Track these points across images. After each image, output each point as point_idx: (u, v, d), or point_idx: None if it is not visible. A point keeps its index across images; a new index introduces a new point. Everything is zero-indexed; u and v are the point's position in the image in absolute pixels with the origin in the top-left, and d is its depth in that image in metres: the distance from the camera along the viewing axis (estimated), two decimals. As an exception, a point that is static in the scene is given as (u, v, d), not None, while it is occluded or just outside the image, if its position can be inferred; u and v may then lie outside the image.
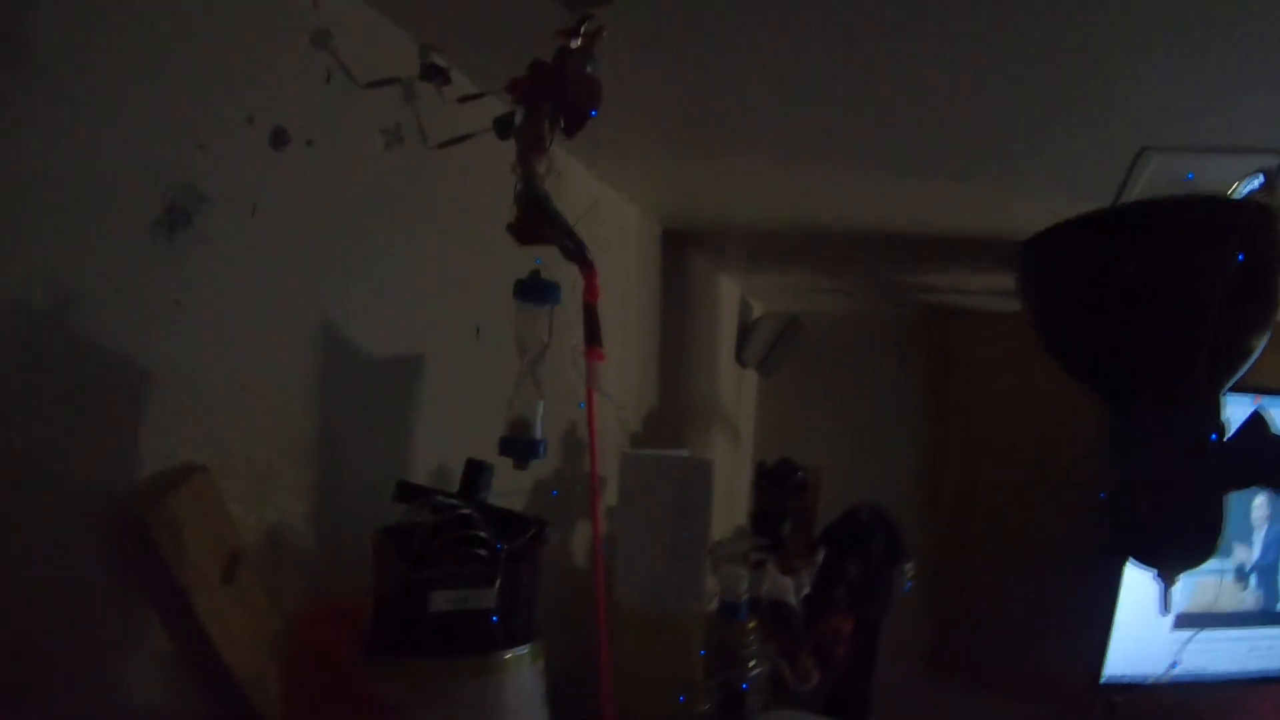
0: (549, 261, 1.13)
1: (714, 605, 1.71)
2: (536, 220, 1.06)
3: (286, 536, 1.27)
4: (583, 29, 1.07)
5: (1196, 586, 2.99)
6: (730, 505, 3.17)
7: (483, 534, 0.99)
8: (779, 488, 2.38)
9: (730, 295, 3.35)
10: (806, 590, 2.12)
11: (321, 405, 1.32)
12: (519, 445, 1.12)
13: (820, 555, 2.13)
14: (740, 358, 3.37)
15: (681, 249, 2.76)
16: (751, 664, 1.67)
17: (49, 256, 0.95)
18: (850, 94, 1.65)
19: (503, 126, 1.33)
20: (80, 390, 0.99)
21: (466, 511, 1.01)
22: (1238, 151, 1.82)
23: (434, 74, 1.32)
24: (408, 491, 1.11)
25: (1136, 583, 2.91)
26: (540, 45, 1.39)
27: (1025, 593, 3.33)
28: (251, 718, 1.13)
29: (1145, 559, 1.91)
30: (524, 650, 1.03)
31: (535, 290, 1.12)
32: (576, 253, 1.07)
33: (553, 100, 1.05)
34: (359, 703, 1.01)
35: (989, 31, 1.37)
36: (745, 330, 3.40)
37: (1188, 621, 2.99)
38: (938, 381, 3.61)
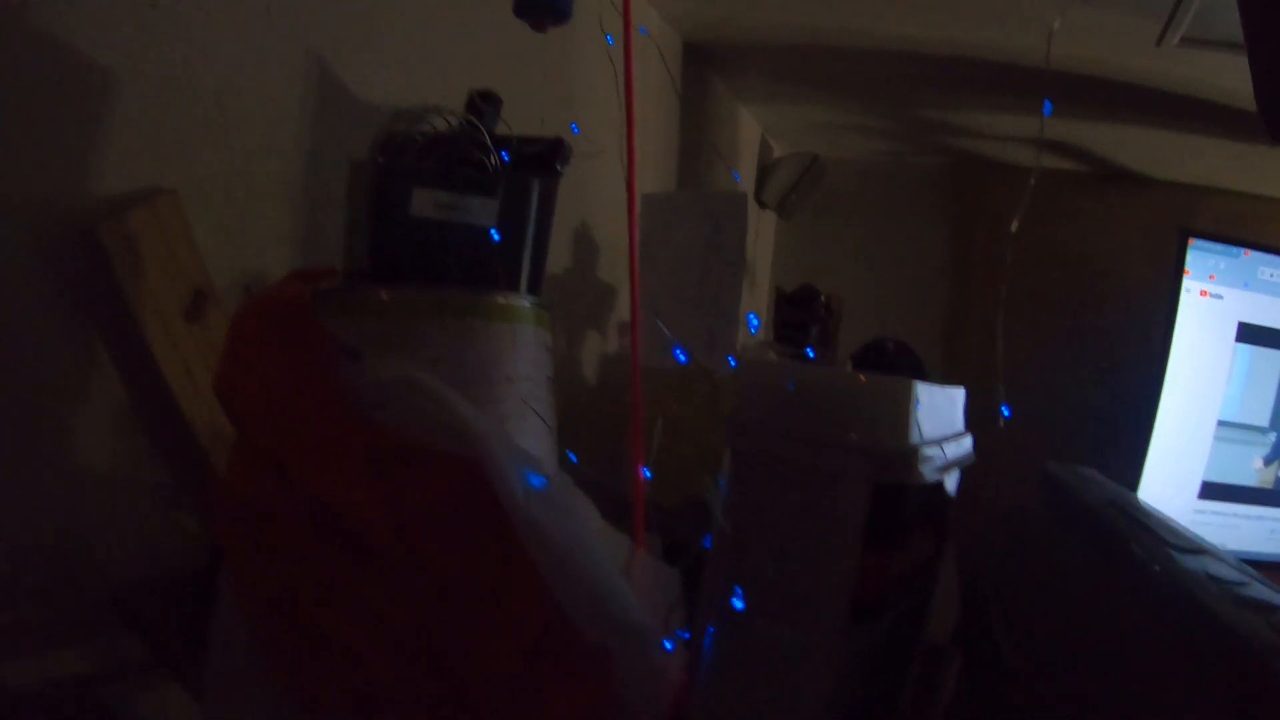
0: None
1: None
2: None
3: (263, 280, 1.13)
4: None
5: (1228, 456, 2.87)
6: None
7: (485, 140, 0.83)
8: (802, 308, 2.26)
9: (751, 132, 3.19)
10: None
11: (309, 139, 1.19)
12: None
13: (849, 366, 2.01)
14: (759, 197, 3.23)
15: (703, 70, 2.61)
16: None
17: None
18: None
19: None
20: (36, 87, 0.86)
21: (469, 119, 0.86)
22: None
23: None
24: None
25: (1163, 449, 2.88)
26: None
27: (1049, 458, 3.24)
28: (210, 478, 0.98)
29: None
30: (526, 303, 0.87)
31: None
32: None
33: None
34: (313, 355, 0.79)
35: None
36: (765, 170, 3.26)
37: (1214, 492, 2.89)
38: (965, 233, 3.46)
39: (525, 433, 0.84)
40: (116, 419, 0.96)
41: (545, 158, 0.89)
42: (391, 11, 1.32)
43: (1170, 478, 2.89)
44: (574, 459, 0.90)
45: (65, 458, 0.93)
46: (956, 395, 1.00)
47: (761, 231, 3.37)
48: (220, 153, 1.06)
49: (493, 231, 0.80)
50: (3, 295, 0.85)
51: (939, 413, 0.90)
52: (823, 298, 2.37)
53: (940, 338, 3.44)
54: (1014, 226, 1.01)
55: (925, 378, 2.54)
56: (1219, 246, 2.94)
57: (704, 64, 2.59)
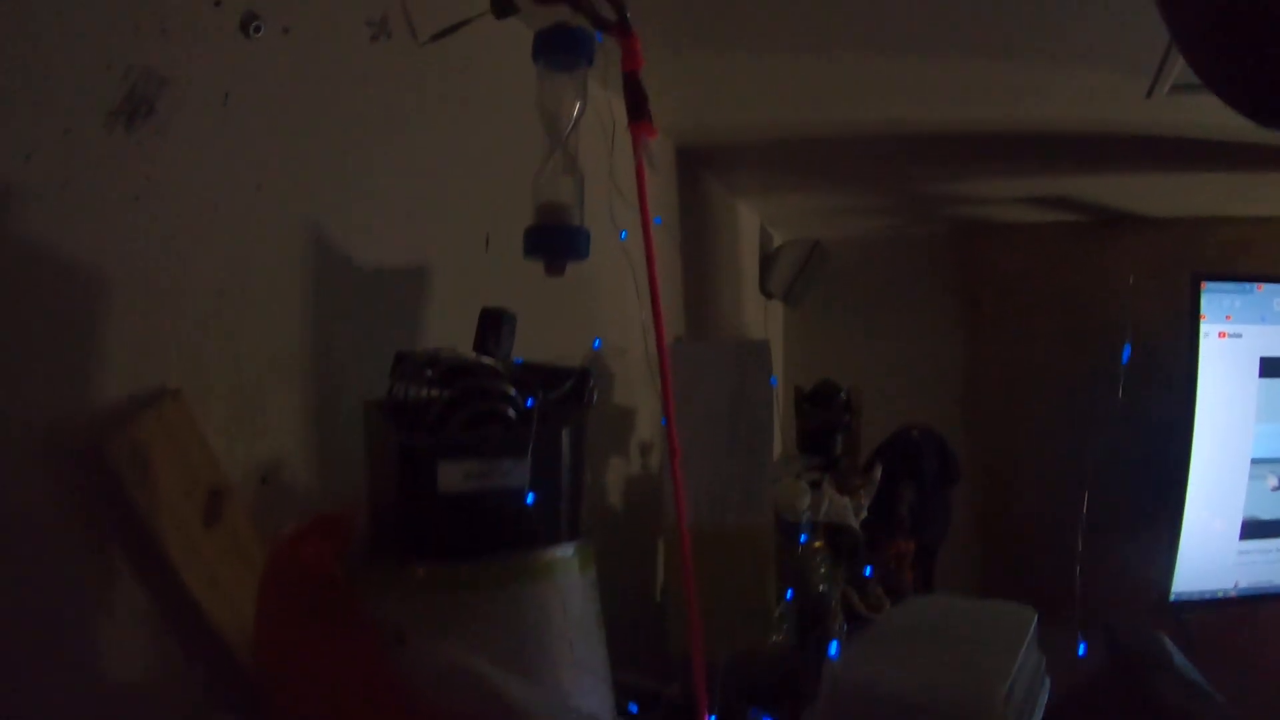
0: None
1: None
2: None
3: (280, 469, 1.12)
4: None
5: (1265, 492, 2.83)
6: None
7: (507, 389, 0.79)
8: (823, 408, 2.23)
9: (750, 223, 3.20)
10: (864, 513, 1.98)
11: (315, 318, 1.18)
12: (553, 237, 0.87)
13: (878, 472, 1.99)
14: (765, 288, 3.23)
15: (697, 172, 2.62)
16: (821, 588, 1.53)
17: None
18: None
19: (500, 3, 1.19)
20: (29, 302, 0.85)
21: (485, 362, 0.83)
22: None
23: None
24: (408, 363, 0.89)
25: (1200, 493, 2.84)
26: None
27: (1079, 514, 3.20)
28: (248, 682, 0.94)
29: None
30: (569, 552, 0.83)
31: (562, 43, 0.88)
32: (609, 11, 0.84)
33: None
34: (352, 635, 0.77)
35: None
36: (768, 259, 3.26)
37: (1256, 530, 2.86)
38: (972, 298, 3.45)
39: (583, 689, 0.82)
40: (142, 629, 0.93)
41: (573, 394, 0.87)
42: (385, 176, 1.33)
43: (1210, 521, 2.85)
44: (634, 710, 0.87)
45: (94, 673, 0.90)
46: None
47: (770, 322, 3.37)
48: (224, 343, 1.05)
49: (528, 496, 0.79)
50: (14, 520, 0.82)
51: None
52: (842, 394, 2.35)
53: (957, 404, 3.41)
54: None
55: (955, 464, 2.52)
56: (1232, 285, 2.93)
57: (698, 165, 2.61)
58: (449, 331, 1.40)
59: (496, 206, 1.53)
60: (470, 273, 1.50)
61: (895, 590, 1.96)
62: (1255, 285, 2.94)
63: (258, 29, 1.11)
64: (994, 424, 3.38)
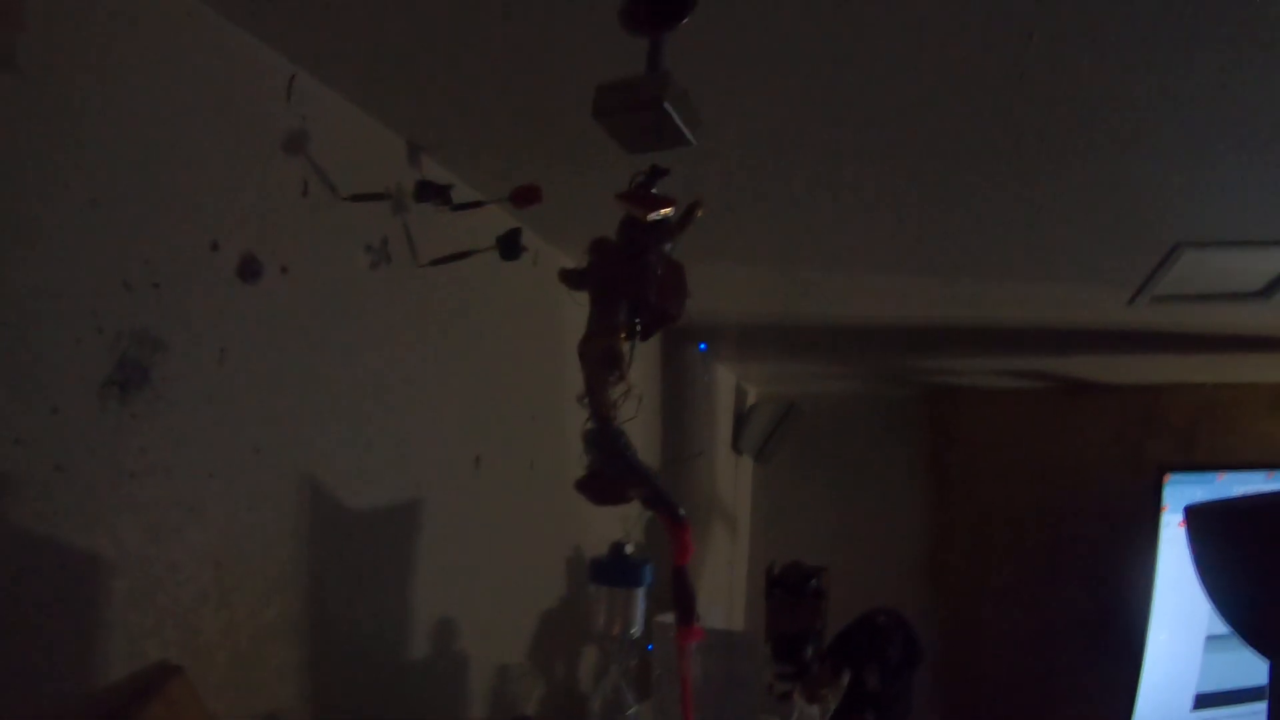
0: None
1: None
2: (617, 473, 0.82)
3: None
4: (657, 196, 0.82)
5: (1218, 666, 2.89)
6: (730, 602, 3.00)
7: None
8: (794, 597, 2.19)
9: (725, 382, 3.20)
10: (830, 717, 1.94)
11: (309, 574, 1.15)
12: None
13: (846, 678, 1.94)
14: (737, 446, 3.21)
15: (680, 340, 2.62)
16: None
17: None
18: (871, 212, 1.54)
19: (509, 246, 1.17)
20: (22, 593, 0.81)
21: None
22: (1269, 244, 1.71)
23: (431, 193, 1.15)
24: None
25: (1158, 661, 2.87)
26: (547, 144, 1.22)
27: (1039, 676, 3.20)
28: None
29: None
30: None
31: (620, 572, 0.92)
32: (663, 505, 0.84)
33: (630, 299, 0.81)
34: None
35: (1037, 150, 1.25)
36: (741, 418, 3.25)
37: (1208, 701, 2.88)
38: (939, 459, 3.46)
39: None
40: None
41: None
42: (379, 413, 1.29)
43: (1164, 692, 2.91)
44: None
45: None
46: None
47: (740, 478, 3.34)
48: (222, 612, 1.01)
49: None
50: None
51: None
52: (814, 582, 2.31)
53: (924, 566, 3.39)
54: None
55: (919, 647, 2.48)
56: (1194, 475, 2.97)
57: (681, 336, 2.61)
58: (440, 562, 1.37)
59: (487, 426, 1.50)
60: (461, 493, 1.46)
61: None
62: (1217, 474, 2.98)
63: (256, 274, 1.07)
64: (961, 584, 3.36)
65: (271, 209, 1.10)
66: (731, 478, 3.22)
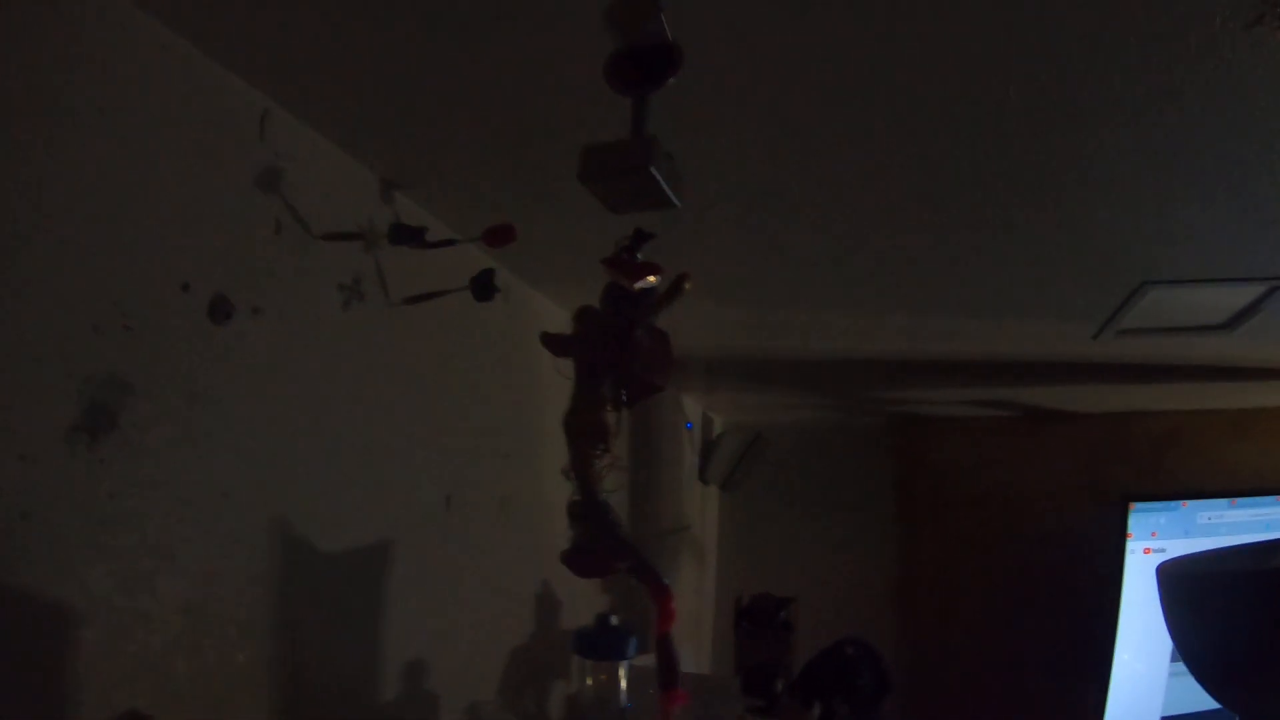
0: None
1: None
2: (605, 546, 0.81)
3: None
4: (643, 263, 0.81)
5: (1181, 690, 2.91)
6: (698, 632, 2.99)
7: None
8: (763, 629, 2.20)
9: (692, 410, 3.19)
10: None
11: (281, 618, 1.12)
12: None
13: (816, 711, 1.94)
14: (704, 475, 3.21)
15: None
16: None
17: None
18: (842, 250, 1.55)
19: (482, 287, 1.16)
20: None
21: None
22: (1234, 280, 1.74)
23: (404, 236, 1.14)
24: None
25: (1124, 685, 2.92)
26: (522, 183, 1.21)
27: (1008, 703, 3.21)
28: None
29: None
30: None
31: (602, 643, 0.92)
32: (648, 575, 0.84)
33: (616, 369, 0.80)
34: None
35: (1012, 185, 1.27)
36: (708, 447, 3.25)
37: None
38: (907, 487, 3.48)
39: None
40: None
41: None
42: (351, 454, 1.27)
43: (1130, 715, 2.95)
44: None
45: None
46: None
47: (707, 507, 3.34)
48: (193, 659, 0.99)
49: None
50: None
51: None
52: (782, 615, 2.32)
53: (892, 594, 3.40)
54: None
55: (888, 677, 2.49)
56: (1159, 505, 3.01)
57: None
58: (411, 602, 1.35)
59: (457, 466, 1.49)
60: (432, 532, 1.44)
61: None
62: (1181, 502, 3.02)
63: (227, 315, 1.06)
64: (926, 618, 3.37)
65: (244, 248, 1.08)
66: (699, 506, 3.22)
